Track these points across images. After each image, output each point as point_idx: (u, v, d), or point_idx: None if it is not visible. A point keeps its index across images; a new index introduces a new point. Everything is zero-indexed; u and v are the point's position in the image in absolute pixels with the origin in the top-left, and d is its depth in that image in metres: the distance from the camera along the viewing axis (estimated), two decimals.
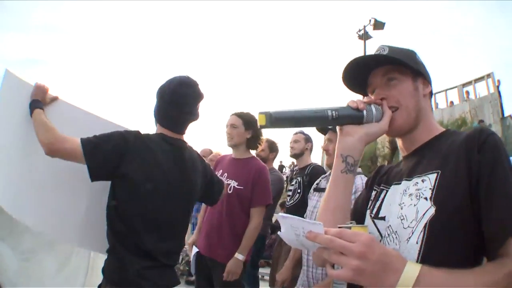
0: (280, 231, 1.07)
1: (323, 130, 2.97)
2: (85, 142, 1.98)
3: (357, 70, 1.30)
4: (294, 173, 4.44)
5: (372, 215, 1.27)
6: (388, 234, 1.16)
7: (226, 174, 3.40)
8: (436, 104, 19.88)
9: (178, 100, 2.22)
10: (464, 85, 20.14)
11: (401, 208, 1.15)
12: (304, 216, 3.05)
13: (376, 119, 1.22)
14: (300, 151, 4.25)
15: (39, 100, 2.16)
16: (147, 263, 2.08)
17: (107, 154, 2.01)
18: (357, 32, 24.88)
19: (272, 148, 4.93)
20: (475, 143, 1.06)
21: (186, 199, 2.33)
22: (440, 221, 1.03)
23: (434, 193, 1.07)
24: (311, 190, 3.00)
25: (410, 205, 1.12)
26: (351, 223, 1.06)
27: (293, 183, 4.23)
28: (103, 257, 2.15)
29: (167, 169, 2.19)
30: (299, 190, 4.06)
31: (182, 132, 2.34)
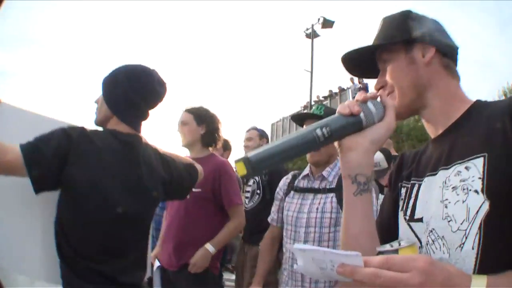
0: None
1: (299, 121, 2.58)
2: (25, 148, 1.64)
3: (360, 60, 1.16)
4: None
5: (407, 218, 1.06)
6: (433, 241, 0.95)
7: None
8: None
9: (147, 93, 1.94)
10: None
11: (446, 206, 0.93)
12: (273, 217, 2.74)
13: (378, 118, 1.00)
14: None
15: None
16: None
17: (50, 157, 1.68)
18: (304, 31, 24.95)
19: (226, 146, 4.65)
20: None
21: (143, 206, 2.00)
22: (499, 218, 0.84)
23: (485, 183, 0.86)
24: (290, 192, 2.57)
25: (458, 201, 0.91)
26: (398, 243, 0.84)
27: (250, 183, 3.99)
28: None
29: (117, 173, 1.87)
30: (258, 191, 3.85)
31: (140, 129, 2.02)
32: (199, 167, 2.34)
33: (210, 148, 3.19)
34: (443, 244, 0.92)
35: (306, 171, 2.50)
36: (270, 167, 0.86)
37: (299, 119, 2.57)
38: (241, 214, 3.11)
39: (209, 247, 2.88)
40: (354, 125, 0.98)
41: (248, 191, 3.97)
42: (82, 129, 1.83)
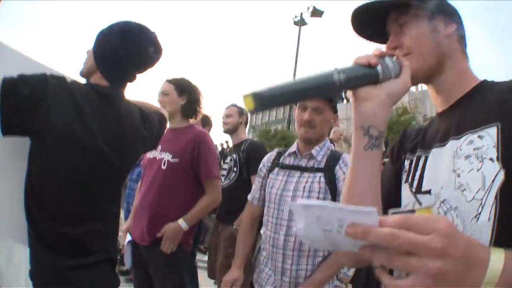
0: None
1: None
2: (5, 79, 1.53)
3: (371, 18, 1.08)
4: (228, 150, 4.24)
5: (413, 190, 1.01)
6: (445, 212, 0.91)
7: (160, 146, 2.86)
8: None
9: (138, 54, 1.82)
10: None
11: (458, 176, 0.90)
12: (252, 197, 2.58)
13: (395, 74, 0.96)
14: (234, 126, 3.94)
15: None
16: (72, 261, 1.63)
17: (24, 95, 1.55)
18: (293, 18, 24.99)
19: (206, 122, 4.53)
20: None
21: (122, 162, 1.88)
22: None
23: (500, 151, 0.84)
24: (274, 169, 2.43)
25: (472, 170, 0.87)
26: (412, 205, 0.88)
27: (227, 160, 3.90)
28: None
29: (95, 125, 1.73)
30: (235, 169, 3.76)
31: (122, 88, 1.92)
32: (165, 113, 2.31)
33: (190, 120, 3.11)
34: (457, 215, 0.88)
35: (293, 148, 2.36)
36: (278, 105, 0.79)
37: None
38: (218, 189, 3.01)
39: (182, 223, 2.77)
40: (370, 76, 0.95)
41: (225, 169, 3.88)
42: (62, 78, 1.70)
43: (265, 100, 0.86)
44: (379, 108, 0.95)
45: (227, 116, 3.96)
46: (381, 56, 0.97)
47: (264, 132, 18.84)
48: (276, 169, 2.39)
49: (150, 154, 2.97)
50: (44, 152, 1.64)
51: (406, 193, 1.05)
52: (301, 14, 24.55)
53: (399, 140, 1.18)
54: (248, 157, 3.65)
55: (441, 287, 0.65)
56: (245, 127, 4.11)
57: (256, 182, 2.56)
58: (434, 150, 1.01)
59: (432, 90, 1.09)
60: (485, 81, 1.04)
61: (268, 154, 2.58)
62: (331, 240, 0.72)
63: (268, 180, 2.39)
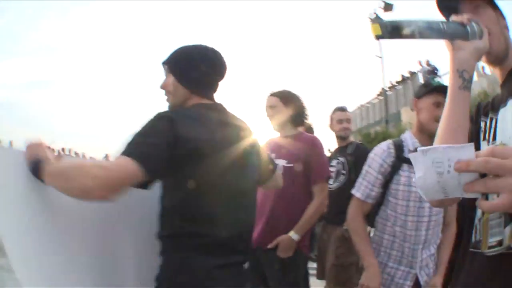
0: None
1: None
2: (131, 152, 1.49)
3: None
4: (331, 154, 4.32)
5: (489, 145, 1.19)
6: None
7: (274, 154, 2.94)
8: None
9: (220, 69, 1.92)
10: None
11: None
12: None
13: (479, 36, 1.17)
14: (351, 133, 4.16)
15: (39, 160, 1.47)
16: (218, 261, 1.68)
17: (164, 150, 1.56)
18: (368, 16, 24.84)
19: (309, 130, 4.60)
20: None
21: (254, 172, 1.93)
22: None
23: None
24: (402, 165, 2.37)
25: None
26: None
27: (333, 163, 3.95)
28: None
29: (225, 137, 1.79)
30: (343, 171, 3.85)
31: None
32: None
33: (299, 128, 3.25)
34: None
35: (414, 142, 2.34)
36: (401, 38, 0.97)
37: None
38: (325, 193, 3.07)
39: (293, 235, 2.83)
40: (462, 33, 1.16)
41: (331, 171, 3.88)
42: (174, 111, 1.80)
43: (389, 29, 1.10)
44: (470, 57, 1.16)
45: (347, 120, 4.10)
46: (469, 20, 1.17)
47: (365, 135, 18.72)
48: (405, 165, 2.34)
49: None
50: (198, 172, 1.65)
51: (484, 148, 1.18)
52: (375, 10, 24.41)
53: (476, 109, 1.35)
54: (357, 159, 3.67)
55: None
56: None
57: (373, 179, 2.44)
58: (500, 111, 1.19)
59: (498, 72, 1.28)
60: None
61: (381, 150, 2.48)
62: (442, 184, 0.86)
63: (396, 176, 2.36)
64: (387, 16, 24.49)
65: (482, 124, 1.28)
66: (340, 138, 4.08)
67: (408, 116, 17.69)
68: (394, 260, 2.35)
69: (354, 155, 3.79)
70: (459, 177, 0.85)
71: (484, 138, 1.24)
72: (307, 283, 3.63)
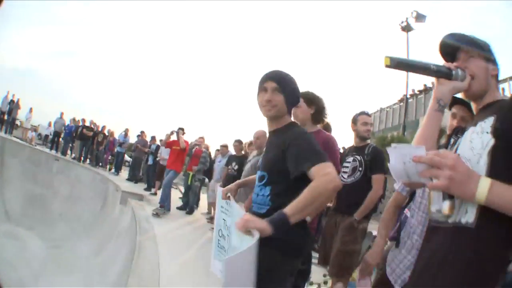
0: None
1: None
2: (325, 157, 2.08)
3: (449, 48, 1.74)
4: (346, 151, 4.65)
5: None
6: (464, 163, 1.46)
7: None
8: None
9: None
10: (499, 82, 20.31)
11: (471, 142, 1.51)
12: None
13: (461, 79, 1.63)
14: (369, 134, 4.46)
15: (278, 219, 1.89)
16: None
17: None
18: (399, 24, 24.98)
19: (327, 128, 4.77)
20: None
21: None
22: (500, 148, 1.39)
23: (493, 128, 1.44)
24: None
25: (477, 138, 1.48)
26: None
27: (349, 160, 4.32)
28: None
29: None
30: (360, 168, 4.19)
31: None
32: None
33: (318, 125, 3.75)
34: (468, 163, 1.44)
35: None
36: (402, 69, 1.59)
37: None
38: None
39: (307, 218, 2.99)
40: (448, 74, 1.63)
41: (347, 167, 4.30)
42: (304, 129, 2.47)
43: (396, 63, 1.58)
44: (448, 91, 1.64)
45: (371, 124, 4.52)
46: (456, 67, 1.63)
47: (381, 138, 19.00)
48: None
49: None
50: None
51: None
52: (407, 19, 24.53)
53: (452, 131, 1.86)
54: (373, 159, 4.11)
55: (452, 189, 1.33)
56: None
57: None
58: (464, 134, 1.60)
59: (474, 105, 1.71)
60: (504, 98, 1.67)
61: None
62: (405, 170, 1.43)
63: None
64: (416, 25, 24.80)
65: (452, 141, 1.75)
66: (361, 138, 4.38)
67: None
68: (405, 249, 2.72)
69: (371, 155, 4.14)
70: (416, 166, 1.38)
71: (451, 149, 1.67)
72: (310, 264, 3.90)
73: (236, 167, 8.48)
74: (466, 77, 1.61)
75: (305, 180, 2.00)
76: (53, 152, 18.53)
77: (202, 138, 11.70)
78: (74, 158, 17.98)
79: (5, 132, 18.79)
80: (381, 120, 25.46)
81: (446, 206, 1.40)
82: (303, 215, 1.98)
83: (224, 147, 10.29)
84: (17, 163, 15.68)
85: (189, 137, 11.74)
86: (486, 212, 1.34)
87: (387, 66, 1.57)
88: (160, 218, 9.27)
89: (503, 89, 20.46)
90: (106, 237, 10.52)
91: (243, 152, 9.00)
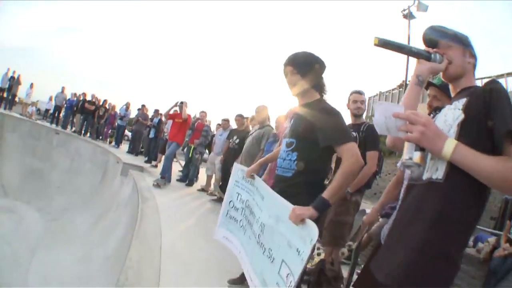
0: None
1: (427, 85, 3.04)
2: (351, 136, 2.52)
3: (429, 41, 1.98)
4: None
5: None
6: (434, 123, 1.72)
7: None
8: None
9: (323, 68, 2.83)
10: (497, 76, 20.44)
11: (445, 116, 1.77)
12: None
13: (438, 62, 1.89)
14: (363, 111, 4.57)
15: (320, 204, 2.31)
16: None
17: None
18: (401, 11, 25.10)
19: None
20: (487, 85, 1.69)
21: None
22: (468, 122, 1.63)
23: (464, 106, 1.68)
24: None
25: (449, 113, 1.75)
26: None
27: None
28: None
29: None
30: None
31: None
32: None
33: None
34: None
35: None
36: (387, 48, 1.79)
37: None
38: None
39: None
40: (427, 56, 1.90)
41: None
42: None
43: (383, 42, 1.82)
44: (426, 70, 1.90)
45: (362, 102, 4.54)
46: (435, 52, 1.89)
47: None
48: None
49: None
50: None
51: None
52: (409, 7, 24.67)
53: (434, 108, 2.25)
54: (368, 136, 4.20)
55: (423, 142, 1.56)
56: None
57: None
58: (442, 110, 1.86)
59: (451, 86, 1.96)
60: (474, 86, 1.85)
61: None
62: (386, 124, 1.67)
63: None
64: (418, 15, 24.87)
65: (431, 116, 2.02)
66: (354, 116, 4.50)
67: (423, 111, 18.24)
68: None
69: (366, 133, 4.24)
70: (395, 122, 1.63)
71: None
72: None
73: (237, 141, 8.57)
74: (443, 60, 1.87)
75: (328, 149, 2.49)
76: (54, 126, 18.52)
77: (204, 112, 11.80)
78: (74, 132, 18.01)
79: (4, 109, 18.69)
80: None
81: (417, 156, 1.62)
82: (338, 196, 2.39)
83: (226, 121, 10.36)
84: (17, 138, 15.68)
85: (192, 112, 11.88)
86: (454, 170, 1.57)
87: (375, 44, 1.82)
88: (161, 189, 9.38)
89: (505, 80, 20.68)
90: (105, 208, 10.60)
91: (244, 127, 9.11)
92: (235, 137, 8.76)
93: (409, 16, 24.79)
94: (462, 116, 1.64)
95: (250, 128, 8.61)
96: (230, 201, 3.57)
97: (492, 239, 5.50)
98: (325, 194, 2.31)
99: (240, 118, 9.21)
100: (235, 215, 3.46)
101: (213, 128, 12.80)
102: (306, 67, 2.75)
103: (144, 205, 7.13)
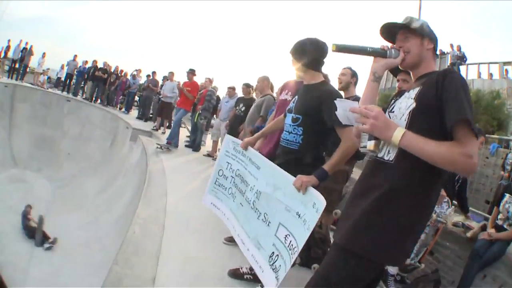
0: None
1: (394, 72, 2.94)
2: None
3: (390, 30, 2.10)
4: None
5: (388, 110, 2.06)
6: (392, 117, 1.97)
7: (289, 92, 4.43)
8: (491, 75, 19.69)
9: (325, 52, 3.09)
10: (505, 63, 20.05)
11: (400, 103, 1.96)
12: None
13: (394, 57, 2.03)
14: (346, 84, 4.61)
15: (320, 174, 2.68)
16: None
17: None
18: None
19: (354, 74, 4.97)
20: (441, 74, 1.82)
21: None
22: (418, 110, 1.82)
23: (416, 95, 1.86)
24: None
25: (404, 101, 1.94)
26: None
27: None
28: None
29: None
30: None
31: None
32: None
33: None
34: (394, 118, 1.93)
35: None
36: (344, 52, 1.99)
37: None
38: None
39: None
40: (382, 53, 2.04)
41: None
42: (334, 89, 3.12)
43: (338, 47, 1.95)
44: (381, 66, 2.04)
45: (342, 74, 4.65)
46: (391, 48, 2.04)
47: (385, 96, 19.41)
48: None
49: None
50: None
51: (386, 112, 2.05)
52: None
53: (394, 95, 2.16)
54: None
55: (374, 132, 1.80)
56: (355, 86, 4.72)
57: None
58: (400, 98, 2.03)
59: (412, 73, 2.07)
60: (436, 70, 1.97)
61: None
62: (346, 115, 2.00)
63: None
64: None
65: (393, 101, 2.10)
66: (340, 90, 4.55)
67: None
68: None
69: None
70: (353, 115, 1.91)
71: (390, 107, 2.08)
72: None
73: (243, 108, 8.71)
74: (399, 55, 2.01)
75: (331, 128, 2.83)
76: (65, 93, 18.56)
77: (208, 78, 11.82)
78: (85, 99, 18.05)
79: (16, 79, 18.70)
80: (387, 79, 25.62)
81: (371, 144, 1.90)
82: (335, 169, 2.78)
83: (232, 89, 10.42)
84: (28, 107, 15.67)
85: (199, 79, 11.97)
86: (403, 153, 1.77)
87: (333, 51, 1.96)
88: (168, 154, 9.55)
89: (506, 70, 20.30)
90: (114, 174, 10.85)
91: (250, 95, 9.22)
92: (241, 105, 8.91)
93: None
94: (413, 104, 1.83)
95: (254, 97, 8.77)
96: (220, 170, 3.82)
97: (480, 223, 5.53)
98: (326, 166, 2.71)
99: (246, 87, 9.31)
100: (224, 183, 3.73)
101: (221, 96, 12.84)
102: (306, 52, 3.06)
103: (152, 168, 7.35)
